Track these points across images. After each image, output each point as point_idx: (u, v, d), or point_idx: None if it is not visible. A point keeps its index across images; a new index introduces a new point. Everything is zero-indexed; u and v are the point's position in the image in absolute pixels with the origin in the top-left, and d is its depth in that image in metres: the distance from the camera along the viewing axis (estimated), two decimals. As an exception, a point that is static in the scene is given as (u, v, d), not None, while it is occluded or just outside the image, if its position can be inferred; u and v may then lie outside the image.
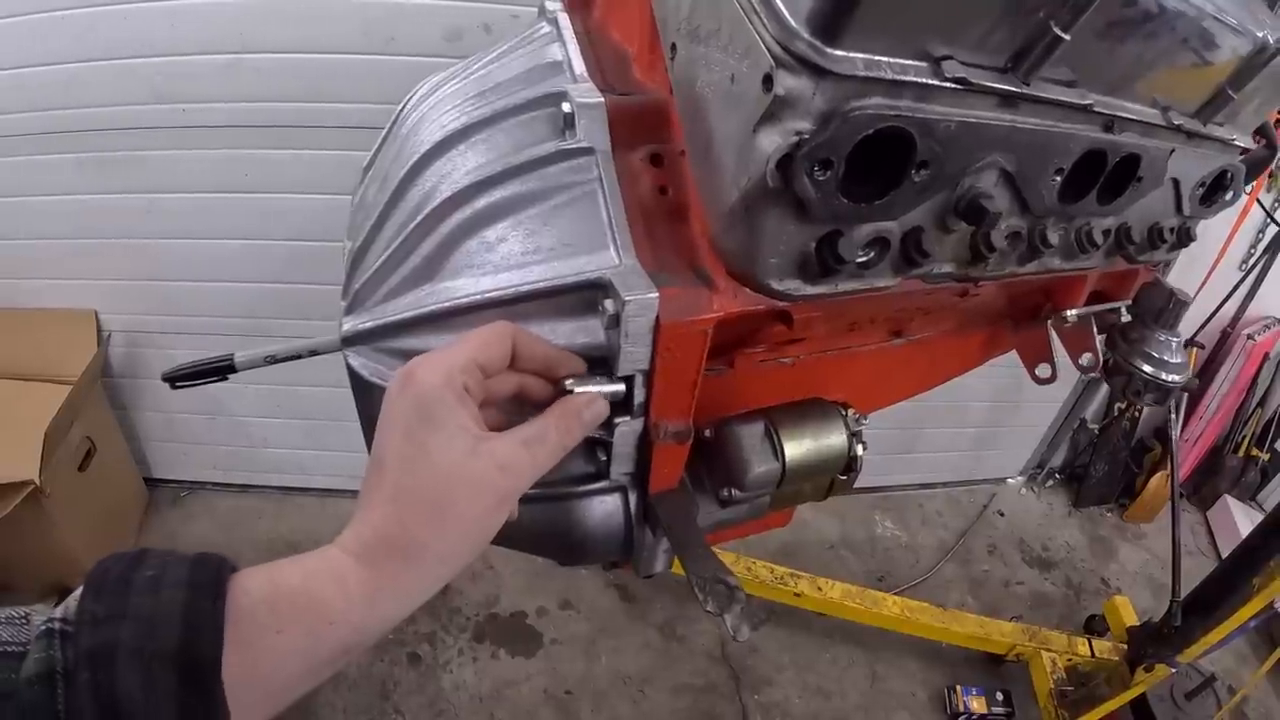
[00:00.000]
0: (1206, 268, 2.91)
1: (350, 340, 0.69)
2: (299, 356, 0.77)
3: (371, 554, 0.46)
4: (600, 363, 0.59)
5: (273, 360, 0.77)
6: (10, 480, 2.05)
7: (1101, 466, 3.49)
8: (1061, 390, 3.40)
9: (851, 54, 0.44)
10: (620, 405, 0.59)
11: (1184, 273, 2.91)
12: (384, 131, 0.92)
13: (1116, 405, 3.39)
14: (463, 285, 0.63)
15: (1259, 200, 2.75)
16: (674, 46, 0.59)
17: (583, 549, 0.70)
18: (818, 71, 0.44)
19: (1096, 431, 3.49)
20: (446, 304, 0.62)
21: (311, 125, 2.14)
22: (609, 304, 0.54)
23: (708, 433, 0.68)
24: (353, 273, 0.75)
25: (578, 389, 0.56)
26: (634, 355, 0.56)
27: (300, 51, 2.03)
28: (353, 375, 0.70)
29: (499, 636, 2.68)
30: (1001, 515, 3.57)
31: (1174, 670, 2.20)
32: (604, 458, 0.65)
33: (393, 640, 2.59)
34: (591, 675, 2.62)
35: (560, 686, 2.56)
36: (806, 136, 0.46)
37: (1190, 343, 3.18)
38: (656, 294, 0.53)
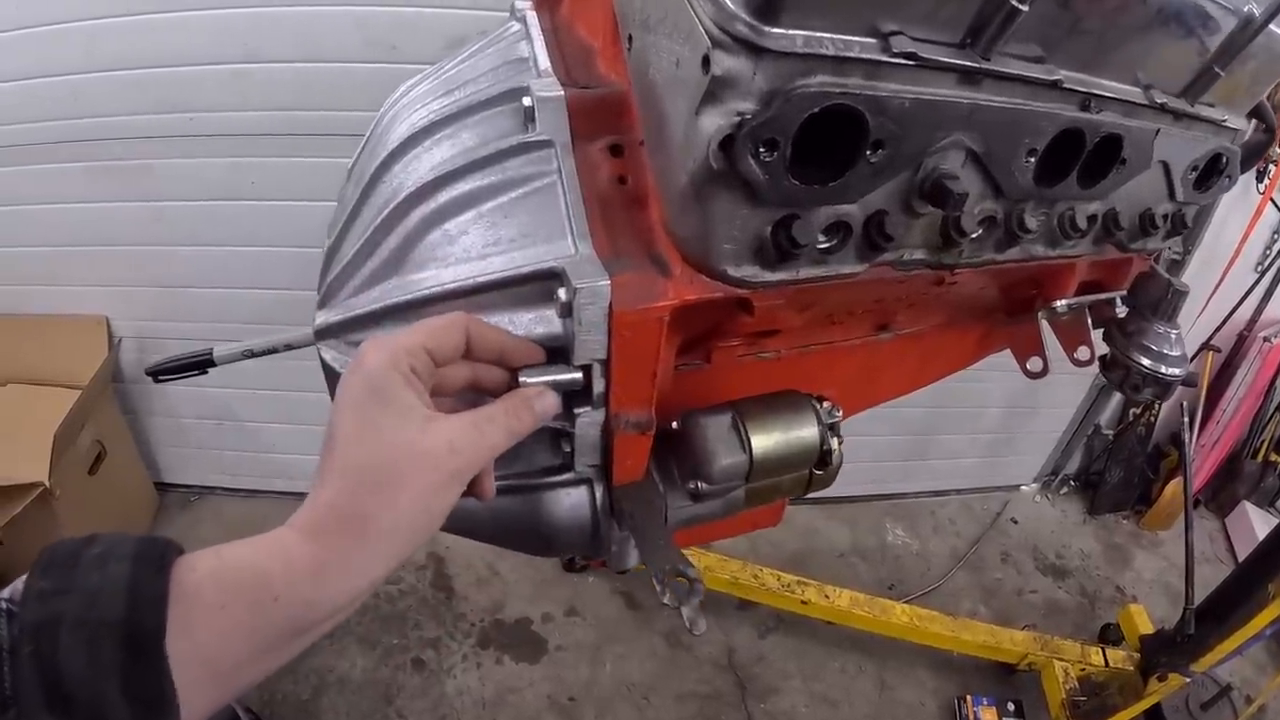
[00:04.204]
0: (1221, 269, 2.85)
1: (322, 334, 0.70)
2: (275, 351, 0.78)
3: (319, 529, 0.46)
4: (559, 353, 0.59)
5: (250, 354, 0.78)
6: (20, 481, 2.09)
7: (1117, 473, 3.43)
8: (1075, 396, 3.35)
9: (790, 31, 0.44)
10: (580, 395, 0.59)
11: (1198, 274, 2.86)
12: (367, 133, 0.93)
13: (1131, 410, 3.33)
14: (426, 278, 0.63)
15: (1273, 200, 2.70)
16: (630, 38, 0.59)
17: (551, 541, 0.69)
18: (755, 50, 0.44)
19: (1111, 437, 3.43)
20: (409, 296, 0.62)
21: (316, 133, 2.17)
22: (562, 292, 0.54)
23: (675, 425, 0.68)
24: (326, 268, 0.75)
25: (530, 379, 0.56)
26: (589, 344, 0.55)
27: (304, 61, 2.06)
28: (325, 368, 0.71)
29: (503, 642, 2.68)
30: (1015, 523, 3.52)
31: (1188, 680, 2.15)
32: (568, 449, 0.64)
33: (397, 645, 2.60)
34: (596, 682, 2.60)
35: (564, 693, 2.55)
36: (749, 116, 0.45)
37: (1206, 346, 3.13)
38: (608, 281, 0.53)
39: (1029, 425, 3.43)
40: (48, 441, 2.15)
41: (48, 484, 2.12)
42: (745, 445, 0.66)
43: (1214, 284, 2.88)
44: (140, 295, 2.48)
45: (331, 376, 0.71)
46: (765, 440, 0.67)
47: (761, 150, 0.47)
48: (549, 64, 0.66)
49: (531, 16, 0.72)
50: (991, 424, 3.39)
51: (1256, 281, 2.97)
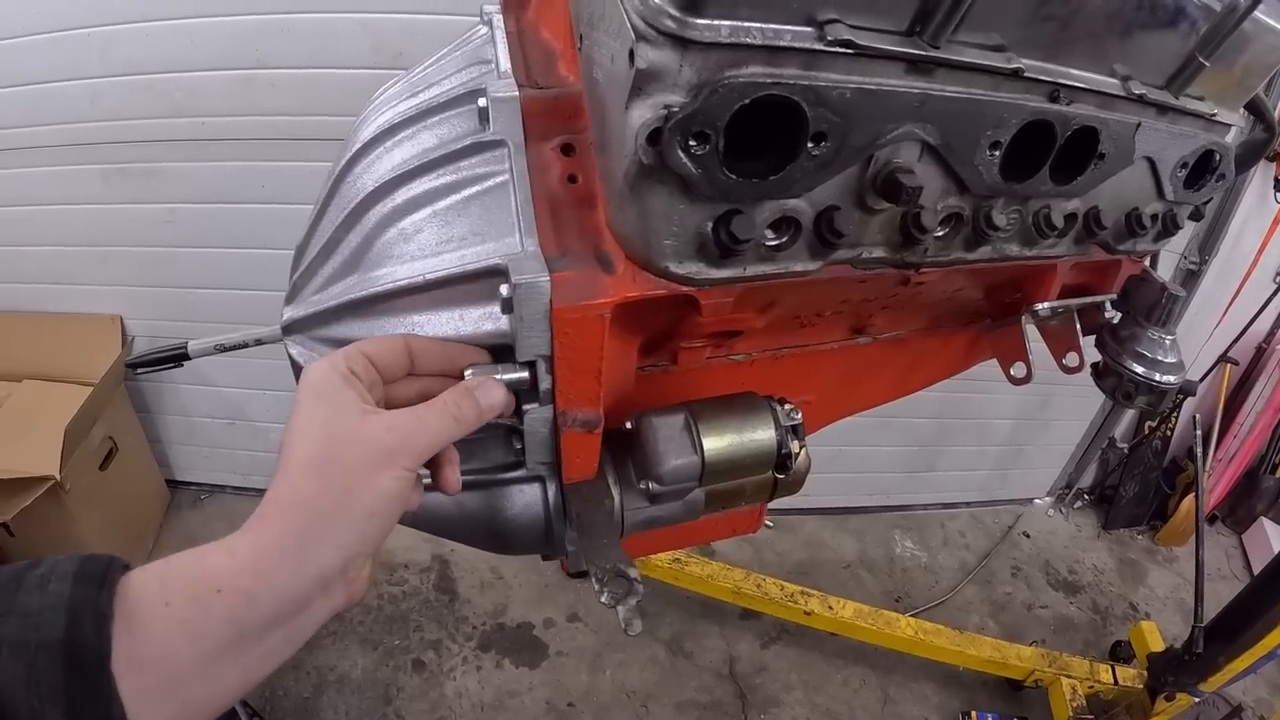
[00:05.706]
0: (1239, 279, 2.79)
1: (288, 329, 0.71)
2: (246, 345, 0.80)
3: (261, 522, 0.47)
4: (508, 350, 0.59)
5: (222, 349, 0.80)
6: (31, 474, 2.14)
7: (1132, 487, 3.37)
8: (1089, 408, 3.29)
9: (716, 22, 0.44)
10: (528, 392, 0.60)
11: (1216, 285, 2.81)
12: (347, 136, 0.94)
13: (1147, 424, 3.27)
14: (384, 274, 0.64)
15: (1293, 210, 2.64)
16: (581, 37, 0.60)
17: (506, 538, 0.70)
18: (680, 42, 0.44)
19: (1126, 451, 3.37)
20: (366, 292, 0.63)
21: (324, 138, 2.20)
22: (504, 288, 0.54)
23: (628, 424, 0.68)
24: (295, 266, 0.77)
25: (475, 375, 0.57)
26: (532, 340, 0.56)
27: (313, 67, 2.10)
28: (292, 363, 0.72)
29: (504, 646, 2.68)
30: (1027, 536, 3.46)
31: (1197, 699, 2.10)
32: (520, 446, 0.65)
33: (398, 646, 2.61)
34: (595, 688, 2.60)
35: (563, 699, 2.55)
36: (675, 109, 0.45)
37: (1223, 358, 3.06)
38: (547, 277, 0.53)
39: (1042, 438, 3.37)
40: (59, 436, 2.19)
41: (58, 478, 2.16)
42: (697, 446, 0.66)
43: (1232, 294, 2.82)
44: (152, 295, 2.53)
45: (298, 371, 0.72)
46: (718, 442, 0.67)
47: (692, 144, 0.47)
48: (509, 66, 0.67)
49: (497, 19, 0.73)
50: (1003, 436, 3.34)
51: (1275, 292, 2.91)
